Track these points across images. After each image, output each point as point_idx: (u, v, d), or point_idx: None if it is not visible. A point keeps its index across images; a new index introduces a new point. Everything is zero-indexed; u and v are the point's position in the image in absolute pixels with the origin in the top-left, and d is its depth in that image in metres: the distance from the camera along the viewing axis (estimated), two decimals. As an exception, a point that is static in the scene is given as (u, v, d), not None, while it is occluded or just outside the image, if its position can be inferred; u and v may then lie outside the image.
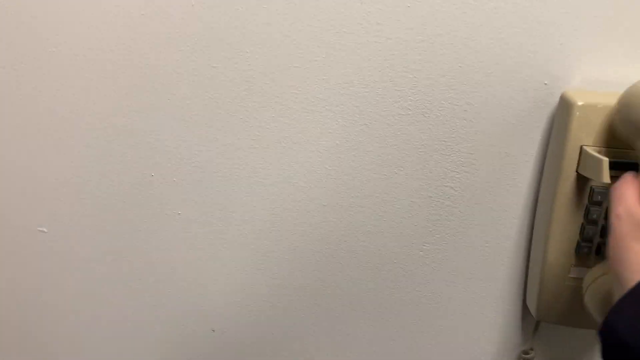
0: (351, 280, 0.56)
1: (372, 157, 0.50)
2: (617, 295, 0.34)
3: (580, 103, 0.43)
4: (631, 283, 0.33)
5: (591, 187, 0.45)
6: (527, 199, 0.50)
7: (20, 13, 0.48)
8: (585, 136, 0.44)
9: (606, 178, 0.40)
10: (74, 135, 0.52)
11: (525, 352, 0.55)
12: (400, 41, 0.46)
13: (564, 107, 0.45)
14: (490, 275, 0.54)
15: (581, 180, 0.45)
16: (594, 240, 0.46)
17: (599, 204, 0.45)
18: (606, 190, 0.44)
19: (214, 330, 0.59)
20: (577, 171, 0.44)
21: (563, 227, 0.47)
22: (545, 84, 0.46)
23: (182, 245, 0.56)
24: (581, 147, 0.44)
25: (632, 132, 0.39)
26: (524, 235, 0.52)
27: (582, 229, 0.46)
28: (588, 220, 0.46)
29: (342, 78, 0.48)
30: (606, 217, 0.45)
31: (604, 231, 0.45)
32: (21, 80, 0.51)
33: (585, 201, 0.46)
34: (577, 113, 0.43)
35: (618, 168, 0.41)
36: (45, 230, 0.57)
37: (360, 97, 0.48)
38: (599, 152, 0.42)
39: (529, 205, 0.51)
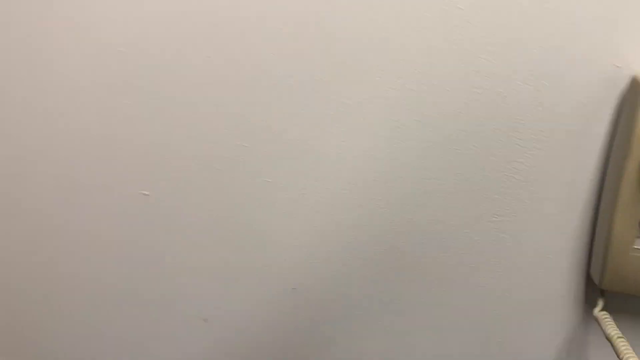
0: (420, 249, 0.61)
1: (446, 132, 0.55)
2: None
3: (650, 84, 0.46)
4: None
5: (658, 164, 0.48)
6: (594, 174, 0.54)
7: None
8: (655, 115, 0.47)
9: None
10: (174, 102, 0.58)
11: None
12: (477, 24, 0.50)
13: (635, 88, 0.48)
14: (555, 246, 0.57)
15: (649, 157, 0.48)
16: (658, 213, 0.50)
17: (666, 179, 0.48)
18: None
19: (294, 289, 0.65)
20: (645, 148, 0.48)
21: (629, 201, 0.50)
22: (617, 66, 0.49)
23: (269, 210, 0.61)
24: (650, 126, 0.47)
25: None
26: (590, 209, 0.55)
27: (648, 203, 0.50)
28: (654, 195, 0.49)
29: (423, 50, 0.52)
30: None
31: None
32: (132, 51, 0.57)
33: (652, 177, 0.49)
34: (647, 93, 0.46)
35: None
36: (147, 193, 0.64)
37: (436, 76, 0.53)
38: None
39: (596, 181, 0.54)
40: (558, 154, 0.54)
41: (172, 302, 0.69)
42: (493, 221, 0.57)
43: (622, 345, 0.50)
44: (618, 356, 0.49)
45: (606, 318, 0.55)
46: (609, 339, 0.52)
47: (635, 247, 0.51)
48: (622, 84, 0.50)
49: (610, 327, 0.53)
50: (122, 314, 0.70)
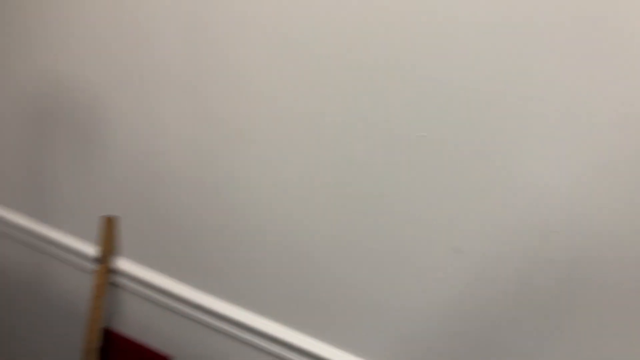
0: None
1: None
2: None
3: None
4: None
5: None
6: None
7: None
8: None
9: None
10: (456, 60, 0.67)
11: None
12: None
13: None
14: None
15: None
16: None
17: None
18: None
19: (554, 232, 0.69)
20: None
21: None
22: None
23: (529, 154, 0.67)
24: None
25: None
26: None
27: None
28: None
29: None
30: None
31: None
32: None
33: None
34: None
35: None
36: (425, 134, 0.72)
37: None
38: None
39: None
40: None
41: (425, 231, 0.77)
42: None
43: None
44: None
45: None
46: None
47: None
48: None
49: None
50: (376, 234, 0.80)
